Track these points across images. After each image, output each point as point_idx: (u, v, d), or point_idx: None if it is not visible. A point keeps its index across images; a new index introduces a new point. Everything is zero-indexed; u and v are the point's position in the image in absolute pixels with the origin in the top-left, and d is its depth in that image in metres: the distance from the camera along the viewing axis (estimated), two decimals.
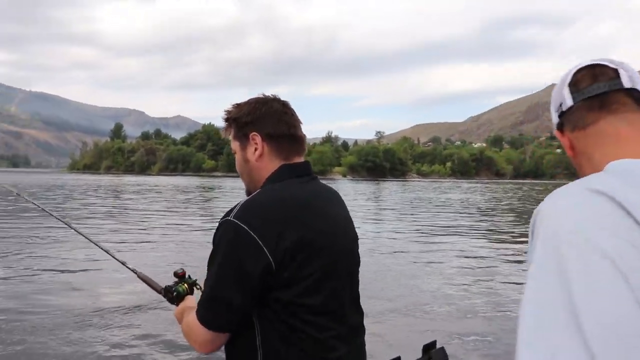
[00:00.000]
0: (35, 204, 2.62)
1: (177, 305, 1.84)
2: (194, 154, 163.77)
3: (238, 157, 1.70)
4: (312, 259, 1.50)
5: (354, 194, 45.98)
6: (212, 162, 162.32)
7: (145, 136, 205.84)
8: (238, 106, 1.70)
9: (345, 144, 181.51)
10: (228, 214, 1.52)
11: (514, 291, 9.17)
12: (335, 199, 1.75)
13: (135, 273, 2.10)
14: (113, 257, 2.23)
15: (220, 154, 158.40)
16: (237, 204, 1.54)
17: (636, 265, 0.72)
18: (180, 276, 1.89)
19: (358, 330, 1.70)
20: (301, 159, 1.70)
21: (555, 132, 1.07)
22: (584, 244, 0.75)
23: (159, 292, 1.94)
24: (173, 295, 1.85)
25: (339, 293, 1.60)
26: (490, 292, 8.98)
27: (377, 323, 6.76)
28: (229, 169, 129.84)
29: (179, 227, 17.16)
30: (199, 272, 1.89)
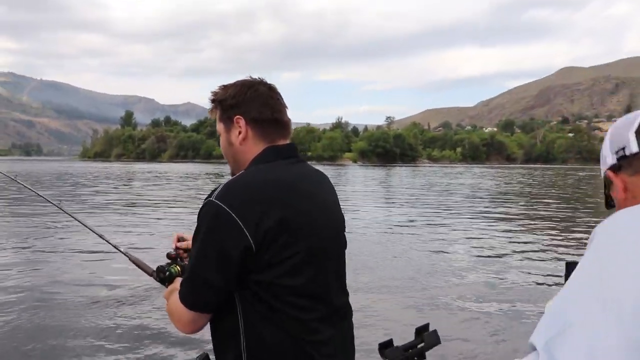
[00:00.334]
0: (28, 188, 2.59)
1: (167, 286, 1.84)
2: (204, 141, 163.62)
3: (222, 139, 1.71)
4: (296, 240, 1.49)
5: (363, 179, 45.93)
6: None
7: (155, 123, 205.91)
8: (224, 88, 1.69)
9: (355, 130, 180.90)
10: (211, 194, 1.51)
11: (511, 275, 9.16)
12: (324, 182, 1.75)
13: (127, 256, 2.11)
14: (107, 240, 2.24)
15: None
16: (220, 184, 1.54)
17: None
18: (173, 258, 1.92)
19: (344, 313, 1.69)
20: (286, 142, 1.69)
21: (607, 172, 1.11)
22: (630, 246, 0.81)
23: (150, 275, 1.96)
24: (165, 275, 1.87)
25: (324, 275, 1.58)
26: (487, 277, 8.98)
27: (369, 306, 6.76)
28: None
29: (182, 215, 17.19)
30: None
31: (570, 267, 1.66)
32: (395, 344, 1.73)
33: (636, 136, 1.06)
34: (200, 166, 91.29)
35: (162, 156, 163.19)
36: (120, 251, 2.17)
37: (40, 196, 2.52)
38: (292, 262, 1.49)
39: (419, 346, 1.77)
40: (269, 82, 1.69)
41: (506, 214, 19.47)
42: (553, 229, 15.48)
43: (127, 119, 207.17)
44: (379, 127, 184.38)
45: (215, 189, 1.52)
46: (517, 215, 19.18)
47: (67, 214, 2.41)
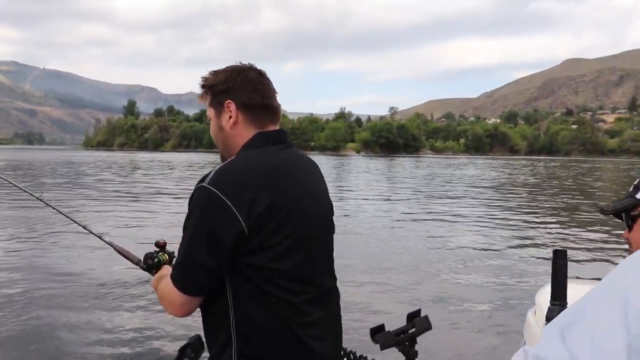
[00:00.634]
0: (3, 178, 2.49)
1: (153, 274, 1.86)
2: (207, 130, 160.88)
3: (213, 124, 1.73)
4: (285, 224, 1.52)
5: (366, 169, 45.85)
6: None
7: (158, 113, 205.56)
8: (215, 73, 1.71)
9: (358, 120, 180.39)
10: (202, 179, 1.53)
11: (510, 264, 9.15)
12: (313, 168, 1.78)
13: (112, 246, 2.11)
14: (90, 230, 2.22)
15: None
16: (212, 170, 1.56)
17: None
18: (161, 246, 1.94)
19: (332, 296, 1.72)
20: (276, 127, 1.72)
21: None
22: None
23: (136, 264, 1.97)
24: (154, 261, 1.89)
25: (313, 260, 1.61)
26: (485, 266, 8.98)
27: (362, 292, 6.55)
28: None
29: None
30: None
31: (558, 254, 1.77)
32: (387, 329, 1.74)
33: None
34: (203, 155, 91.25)
35: (164, 145, 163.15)
36: (105, 241, 2.15)
37: (21, 189, 2.43)
38: (282, 247, 1.52)
39: (410, 331, 1.78)
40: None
41: (507, 204, 19.43)
42: (554, 220, 15.42)
43: (130, 108, 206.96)
44: (382, 117, 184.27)
45: (207, 175, 1.54)
46: (517, 206, 19.11)
47: (50, 205, 2.33)
